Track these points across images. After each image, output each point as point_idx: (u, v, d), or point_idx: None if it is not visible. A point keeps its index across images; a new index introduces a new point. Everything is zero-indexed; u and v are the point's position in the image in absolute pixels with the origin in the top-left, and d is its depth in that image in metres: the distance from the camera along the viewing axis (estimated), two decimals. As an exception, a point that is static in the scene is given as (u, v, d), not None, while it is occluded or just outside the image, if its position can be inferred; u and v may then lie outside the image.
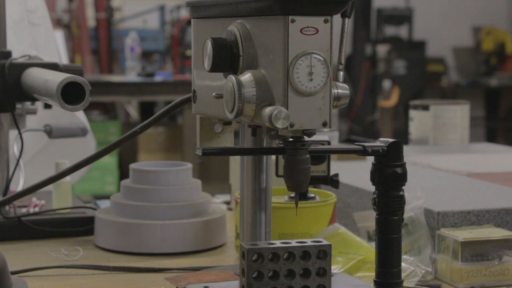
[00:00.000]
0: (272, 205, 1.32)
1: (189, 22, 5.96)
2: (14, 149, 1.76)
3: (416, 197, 1.46)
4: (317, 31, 1.12)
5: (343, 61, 1.22)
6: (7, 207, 1.72)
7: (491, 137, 8.47)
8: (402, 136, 5.83)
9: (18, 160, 1.73)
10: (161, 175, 1.63)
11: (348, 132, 7.64)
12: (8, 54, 1.70)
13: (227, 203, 2.03)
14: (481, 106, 8.73)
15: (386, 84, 7.85)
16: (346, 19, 1.21)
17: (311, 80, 1.12)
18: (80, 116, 2.14)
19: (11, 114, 1.72)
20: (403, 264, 1.26)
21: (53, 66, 1.68)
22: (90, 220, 1.69)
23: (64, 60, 2.57)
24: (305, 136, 1.16)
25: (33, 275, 1.43)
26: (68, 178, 1.72)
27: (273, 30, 1.13)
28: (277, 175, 1.50)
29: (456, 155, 2.24)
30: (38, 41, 2.07)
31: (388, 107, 7.84)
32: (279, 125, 1.11)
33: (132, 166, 1.66)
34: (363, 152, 1.21)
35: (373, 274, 1.24)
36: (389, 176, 1.20)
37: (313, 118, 1.13)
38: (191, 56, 1.37)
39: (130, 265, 1.48)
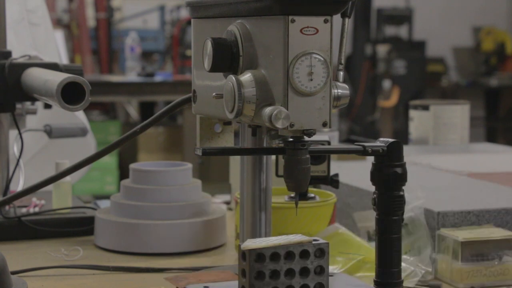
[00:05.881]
0: (272, 205, 1.32)
1: (189, 22, 5.96)
2: (14, 149, 1.76)
3: (416, 197, 1.46)
4: (317, 31, 1.12)
5: (343, 61, 1.22)
6: (7, 207, 1.72)
7: (491, 137, 8.47)
8: (402, 136, 5.83)
9: (18, 160, 1.73)
10: (161, 175, 1.63)
11: (348, 132, 7.64)
12: (8, 54, 1.70)
13: (227, 203, 2.03)
14: (481, 106, 8.73)
15: (386, 84, 7.85)
16: (346, 19, 1.21)
17: (311, 80, 1.12)
18: (80, 116, 2.13)
19: (11, 114, 1.72)
20: (403, 264, 1.26)
21: (53, 66, 1.68)
22: (90, 220, 1.69)
23: (64, 60, 2.57)
24: (305, 136, 1.16)
25: (33, 275, 1.43)
26: (68, 178, 1.72)
27: (273, 30, 1.13)
28: (277, 175, 1.50)
29: (456, 155, 2.24)
30: (38, 41, 2.07)
31: (388, 107, 7.84)
32: (279, 125, 1.11)
33: (132, 166, 1.66)
34: (363, 152, 1.21)
35: (373, 274, 1.24)
36: (389, 176, 1.20)
37: (313, 118, 1.13)
38: (191, 56, 1.37)
39: (130, 265, 1.48)
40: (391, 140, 1.21)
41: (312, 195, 1.51)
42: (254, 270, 1.12)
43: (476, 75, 8.59)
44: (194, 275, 1.28)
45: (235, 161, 1.93)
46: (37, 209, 1.76)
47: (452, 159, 2.13)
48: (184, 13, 7.01)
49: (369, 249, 1.43)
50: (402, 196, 1.21)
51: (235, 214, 1.54)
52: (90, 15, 7.00)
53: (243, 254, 1.13)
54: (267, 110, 1.11)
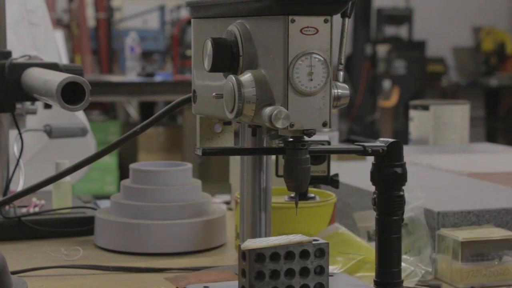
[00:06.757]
0: (272, 205, 1.32)
1: (189, 22, 5.96)
2: (14, 149, 1.76)
3: (416, 197, 1.46)
4: (317, 31, 1.12)
5: (343, 61, 1.22)
6: (7, 207, 1.72)
7: (491, 137, 8.47)
8: (402, 136, 5.83)
9: (18, 160, 1.73)
10: (161, 175, 1.63)
11: (348, 132, 7.64)
12: (8, 54, 1.70)
13: (227, 203, 2.03)
14: (481, 106, 8.73)
15: (386, 84, 7.85)
16: (346, 19, 1.21)
17: (311, 80, 1.12)
18: (80, 116, 2.14)
19: (11, 114, 1.72)
20: (403, 264, 1.26)
21: (53, 66, 1.68)
22: (90, 220, 1.69)
23: (64, 60, 2.57)
24: (305, 136, 1.16)
25: (33, 275, 1.43)
26: (68, 178, 1.72)
27: (273, 30, 1.13)
28: (277, 175, 1.50)
29: (456, 155, 2.24)
30: (38, 41, 2.07)
31: (388, 107, 7.84)
32: (279, 125, 1.11)
33: (132, 166, 1.66)
34: (363, 152, 1.21)
35: (373, 274, 1.24)
36: (389, 176, 1.20)
37: (313, 118, 1.13)
38: (191, 56, 1.37)
39: (130, 265, 1.48)
40: (391, 140, 1.21)
41: (312, 195, 1.51)
42: (254, 270, 1.12)
43: (476, 75, 8.59)
44: (194, 275, 1.28)
45: (235, 161, 1.93)
46: (37, 209, 1.76)
47: (452, 159, 2.13)
48: (184, 13, 7.01)
49: (369, 249, 1.43)
50: (402, 196, 1.21)
51: (235, 214, 1.54)
52: (90, 15, 7.00)
53: (243, 254, 1.13)
54: (267, 110, 1.11)
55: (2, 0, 1.74)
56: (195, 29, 1.36)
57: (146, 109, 7.00)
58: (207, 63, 1.21)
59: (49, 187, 1.68)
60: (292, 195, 1.48)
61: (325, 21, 1.12)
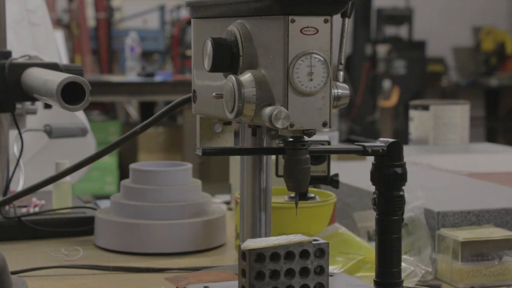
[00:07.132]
0: (272, 205, 1.32)
1: (189, 22, 5.95)
2: (14, 149, 1.76)
3: (416, 197, 1.46)
4: (317, 31, 1.12)
5: (343, 61, 1.22)
6: (7, 207, 1.72)
7: (491, 137, 8.47)
8: (402, 136, 5.83)
9: (18, 160, 1.73)
10: (161, 175, 1.63)
11: (348, 132, 7.64)
12: (8, 54, 1.70)
13: (227, 203, 2.03)
14: (481, 106, 8.73)
15: (386, 84, 7.85)
16: (346, 19, 1.21)
17: (311, 80, 1.12)
18: (80, 116, 2.13)
19: (11, 114, 1.72)
20: (403, 264, 1.26)
21: (53, 66, 1.68)
22: (90, 220, 1.69)
23: (64, 60, 2.57)
24: (305, 136, 1.16)
25: (33, 275, 1.43)
26: (68, 178, 1.72)
27: (273, 30, 1.13)
28: (277, 175, 1.50)
29: (456, 155, 2.24)
30: (38, 41, 2.07)
31: (388, 107, 7.84)
32: (279, 125, 1.11)
33: (132, 166, 1.66)
34: (363, 152, 1.21)
35: (373, 274, 1.24)
36: (389, 176, 1.20)
37: (313, 118, 1.13)
38: (191, 56, 1.37)
39: (130, 265, 1.48)
40: (391, 140, 1.21)
41: (312, 195, 1.51)
42: (254, 270, 1.12)
43: (476, 75, 8.59)
44: (194, 275, 1.28)
45: (235, 161, 1.93)
46: (37, 209, 1.76)
47: (452, 159, 2.14)
48: (184, 13, 7.01)
49: (369, 249, 1.43)
50: (402, 196, 1.21)
51: (235, 214, 1.54)
52: (90, 15, 7.00)
53: (243, 254, 1.13)
54: (267, 110, 1.11)
55: (2, 0, 1.74)
56: (195, 29, 1.36)
57: (146, 109, 7.00)
58: (207, 63, 1.21)
59: (49, 187, 1.68)
60: (292, 195, 1.48)
61: (325, 21, 1.13)
